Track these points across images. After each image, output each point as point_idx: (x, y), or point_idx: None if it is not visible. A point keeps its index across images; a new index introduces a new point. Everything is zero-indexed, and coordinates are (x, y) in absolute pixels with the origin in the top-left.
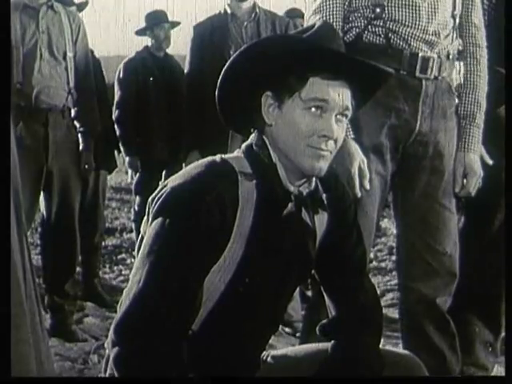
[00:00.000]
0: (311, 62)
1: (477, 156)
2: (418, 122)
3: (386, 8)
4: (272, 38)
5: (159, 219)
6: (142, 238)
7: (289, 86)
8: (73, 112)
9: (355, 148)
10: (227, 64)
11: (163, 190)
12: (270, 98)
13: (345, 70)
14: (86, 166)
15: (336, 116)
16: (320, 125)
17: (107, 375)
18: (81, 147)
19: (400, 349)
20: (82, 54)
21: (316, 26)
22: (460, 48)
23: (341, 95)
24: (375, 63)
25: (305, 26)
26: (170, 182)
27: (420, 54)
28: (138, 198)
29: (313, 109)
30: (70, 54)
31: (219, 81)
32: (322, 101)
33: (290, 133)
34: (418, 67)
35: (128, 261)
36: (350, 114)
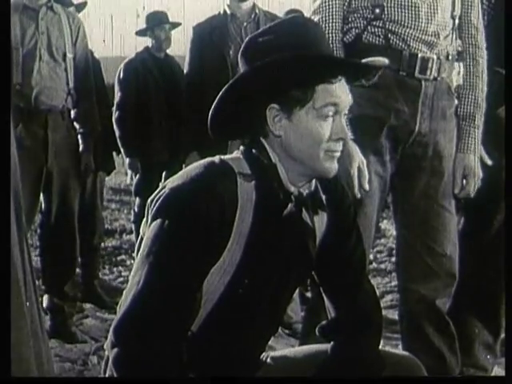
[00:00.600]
0: (313, 73)
1: (476, 157)
2: (418, 123)
3: (386, 9)
4: (262, 49)
5: (158, 220)
6: (142, 239)
7: (297, 98)
8: (72, 113)
9: (355, 149)
10: (222, 91)
11: (162, 191)
12: (276, 110)
13: (344, 73)
14: (86, 167)
15: (343, 115)
16: (334, 129)
17: (107, 376)
18: (80, 148)
19: (400, 350)
20: (82, 55)
21: (307, 28)
22: (459, 49)
23: (346, 94)
24: (371, 64)
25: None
26: (169, 183)
27: (419, 55)
28: (137, 200)
29: (326, 115)
30: (69, 55)
31: (214, 108)
32: (333, 105)
33: (306, 142)
34: (417, 68)
35: (127, 262)
36: (349, 107)
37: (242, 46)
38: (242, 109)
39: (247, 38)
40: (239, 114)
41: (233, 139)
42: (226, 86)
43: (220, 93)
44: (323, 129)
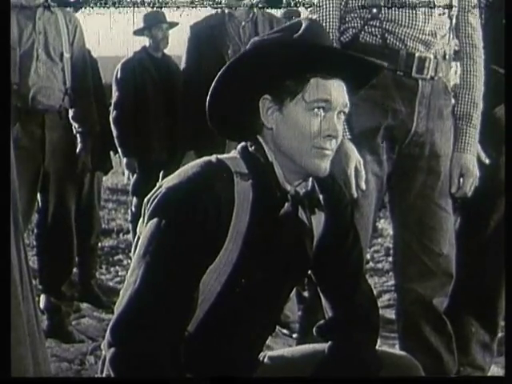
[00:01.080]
0: (308, 62)
1: (473, 156)
2: (415, 123)
3: (383, 8)
4: (266, 41)
5: (155, 220)
6: (139, 238)
7: (288, 89)
8: (70, 112)
9: (351, 149)
10: (219, 74)
11: (159, 191)
12: (269, 101)
13: (341, 67)
14: (83, 167)
15: (337, 114)
16: (324, 125)
17: (104, 376)
18: (78, 148)
19: (397, 349)
20: (79, 55)
21: (304, 25)
22: (456, 48)
23: (341, 93)
24: (369, 58)
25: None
26: (166, 183)
27: (416, 54)
28: (135, 199)
29: (316, 110)
30: (66, 55)
31: (211, 90)
32: (325, 101)
33: (295, 135)
34: (414, 67)
35: (124, 262)
36: (347, 110)
37: (248, 46)
38: (237, 96)
39: (253, 39)
40: (235, 101)
41: (231, 135)
42: (224, 66)
43: (218, 73)
44: (312, 123)
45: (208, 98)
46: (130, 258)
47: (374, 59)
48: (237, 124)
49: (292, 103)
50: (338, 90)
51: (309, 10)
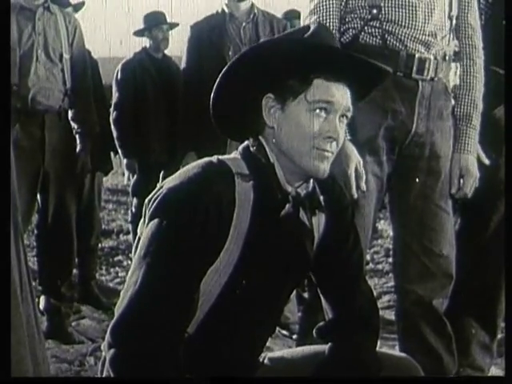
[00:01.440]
0: (313, 62)
1: (473, 157)
2: (415, 123)
3: (383, 9)
4: (271, 40)
5: (155, 220)
6: (139, 239)
7: (292, 89)
8: (70, 113)
9: (352, 149)
10: (224, 70)
11: (160, 191)
12: (272, 100)
13: (346, 69)
14: (83, 168)
15: (339, 117)
16: (325, 126)
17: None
18: (78, 148)
19: (397, 351)
20: (79, 56)
21: (312, 29)
22: (456, 49)
23: (344, 96)
24: (374, 61)
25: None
26: (167, 183)
27: (416, 55)
28: (135, 200)
29: (318, 110)
30: (66, 56)
31: (215, 87)
32: (327, 103)
33: (295, 135)
34: (414, 68)
35: (124, 263)
36: (350, 114)
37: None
38: (241, 94)
39: (262, 41)
40: (238, 98)
41: (233, 134)
42: (228, 64)
43: (222, 70)
44: (312, 123)
45: (212, 95)
46: (130, 259)
47: (380, 63)
48: (239, 122)
49: (294, 103)
50: (341, 93)
51: (308, 10)
